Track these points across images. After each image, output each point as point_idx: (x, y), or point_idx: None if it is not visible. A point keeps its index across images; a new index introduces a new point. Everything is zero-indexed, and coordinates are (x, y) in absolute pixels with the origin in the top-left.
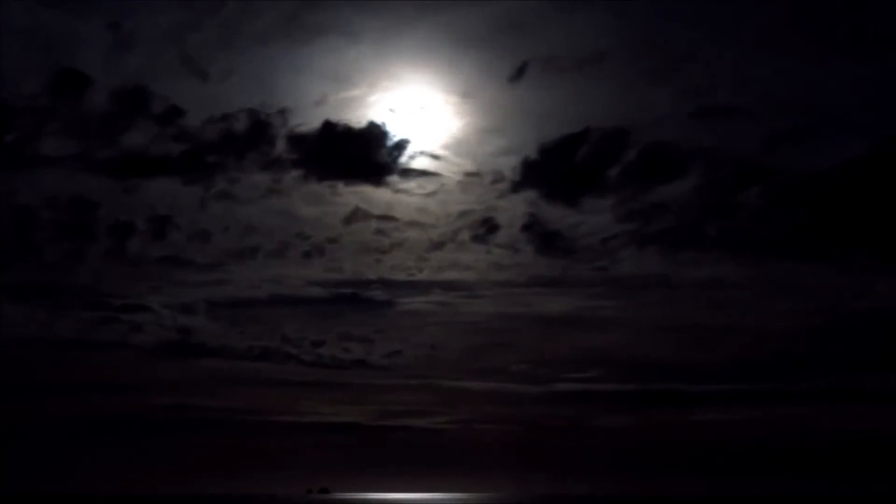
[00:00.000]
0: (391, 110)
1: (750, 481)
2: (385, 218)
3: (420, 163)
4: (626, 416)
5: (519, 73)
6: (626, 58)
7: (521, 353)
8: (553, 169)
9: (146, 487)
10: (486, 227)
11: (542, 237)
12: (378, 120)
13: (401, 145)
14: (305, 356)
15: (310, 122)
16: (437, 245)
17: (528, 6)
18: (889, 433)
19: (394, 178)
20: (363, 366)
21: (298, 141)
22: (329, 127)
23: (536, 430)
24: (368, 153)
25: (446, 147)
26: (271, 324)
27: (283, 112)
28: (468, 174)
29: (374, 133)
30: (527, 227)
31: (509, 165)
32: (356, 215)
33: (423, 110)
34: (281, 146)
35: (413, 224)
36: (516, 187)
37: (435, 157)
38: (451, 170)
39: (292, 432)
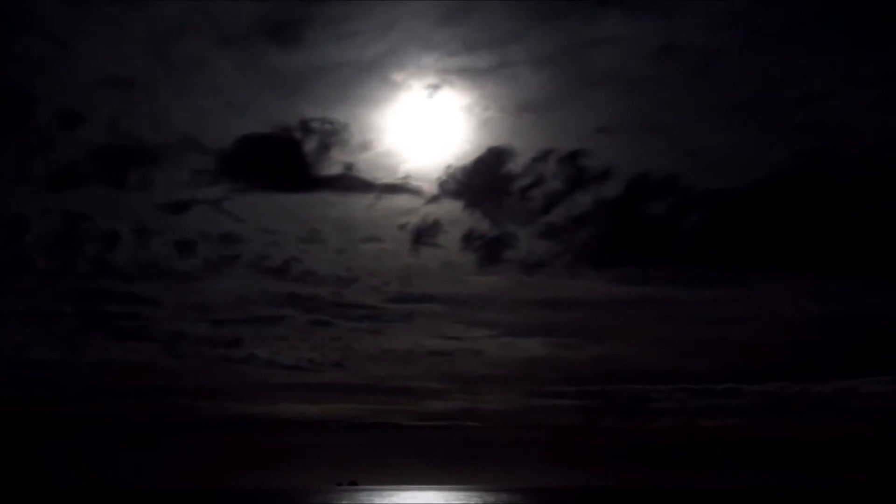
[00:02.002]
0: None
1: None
2: (340, 228)
3: (354, 174)
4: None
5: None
6: (547, 73)
7: (487, 358)
8: (472, 182)
9: (171, 481)
10: (426, 239)
11: (478, 249)
12: (315, 135)
13: (332, 158)
14: (285, 360)
15: (249, 134)
16: (392, 255)
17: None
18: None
19: (329, 190)
20: (341, 368)
21: (233, 153)
22: (267, 140)
23: (513, 430)
24: (302, 165)
25: (374, 159)
26: (252, 330)
27: (218, 125)
28: (401, 186)
29: (309, 146)
30: (465, 239)
31: (434, 178)
32: (317, 229)
33: (351, 125)
34: (214, 158)
35: (369, 238)
36: (443, 198)
37: (364, 169)
38: (381, 180)
39: (305, 430)
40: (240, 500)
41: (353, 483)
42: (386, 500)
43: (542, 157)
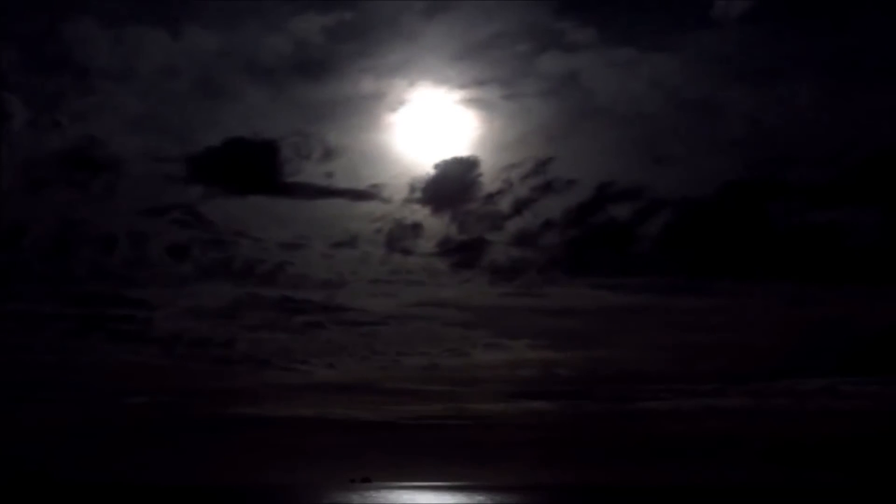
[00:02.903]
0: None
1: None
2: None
3: (330, 180)
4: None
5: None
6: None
7: (474, 360)
8: (445, 189)
9: (174, 480)
10: (402, 244)
11: (452, 254)
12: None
13: (309, 164)
14: (279, 361)
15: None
16: (372, 259)
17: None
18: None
19: (306, 196)
20: (333, 369)
21: (201, 158)
22: (235, 146)
23: (505, 429)
24: (279, 171)
25: (349, 166)
26: (246, 332)
27: (186, 131)
28: (376, 193)
29: (285, 152)
30: (440, 244)
31: (408, 185)
32: (300, 234)
33: (326, 132)
34: (187, 163)
35: (350, 244)
36: (417, 204)
37: (340, 176)
38: (357, 187)
39: (304, 429)
40: (247, 496)
41: (367, 480)
42: (396, 500)
43: (513, 166)
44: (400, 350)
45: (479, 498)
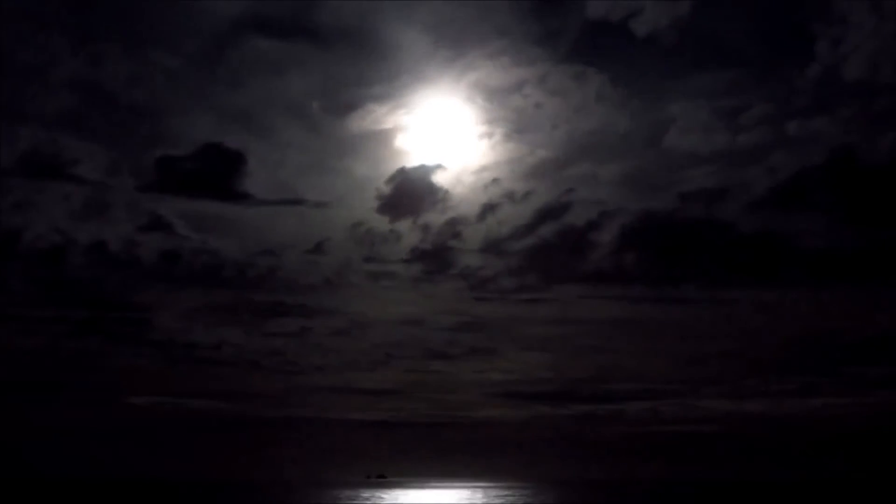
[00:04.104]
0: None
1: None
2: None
3: (298, 191)
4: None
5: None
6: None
7: (458, 363)
8: (411, 197)
9: (173, 476)
10: (377, 251)
11: (423, 260)
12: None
13: (276, 175)
14: (271, 363)
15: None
16: (349, 265)
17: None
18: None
19: (276, 205)
20: (323, 371)
21: (171, 167)
22: (208, 152)
23: (494, 429)
24: (248, 183)
25: (315, 178)
26: (240, 334)
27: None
28: (344, 202)
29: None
30: (412, 251)
31: (376, 193)
32: (280, 242)
33: (291, 146)
34: (154, 172)
35: (327, 251)
36: (387, 212)
37: (306, 187)
38: (324, 198)
39: (299, 427)
40: (248, 493)
41: (382, 476)
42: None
43: (476, 173)
44: (389, 352)
45: (481, 495)
